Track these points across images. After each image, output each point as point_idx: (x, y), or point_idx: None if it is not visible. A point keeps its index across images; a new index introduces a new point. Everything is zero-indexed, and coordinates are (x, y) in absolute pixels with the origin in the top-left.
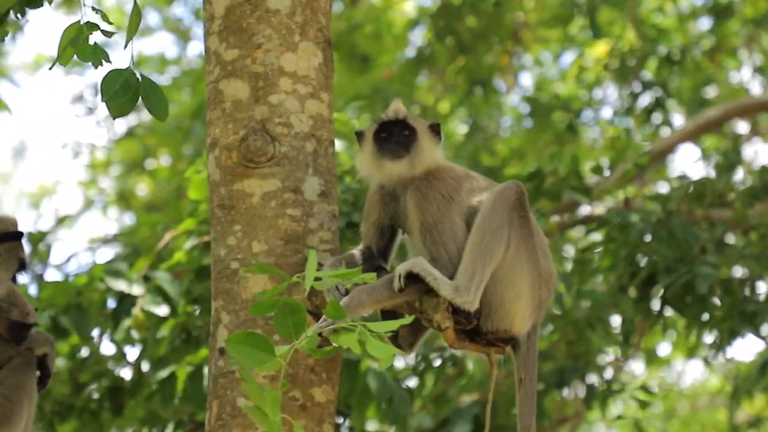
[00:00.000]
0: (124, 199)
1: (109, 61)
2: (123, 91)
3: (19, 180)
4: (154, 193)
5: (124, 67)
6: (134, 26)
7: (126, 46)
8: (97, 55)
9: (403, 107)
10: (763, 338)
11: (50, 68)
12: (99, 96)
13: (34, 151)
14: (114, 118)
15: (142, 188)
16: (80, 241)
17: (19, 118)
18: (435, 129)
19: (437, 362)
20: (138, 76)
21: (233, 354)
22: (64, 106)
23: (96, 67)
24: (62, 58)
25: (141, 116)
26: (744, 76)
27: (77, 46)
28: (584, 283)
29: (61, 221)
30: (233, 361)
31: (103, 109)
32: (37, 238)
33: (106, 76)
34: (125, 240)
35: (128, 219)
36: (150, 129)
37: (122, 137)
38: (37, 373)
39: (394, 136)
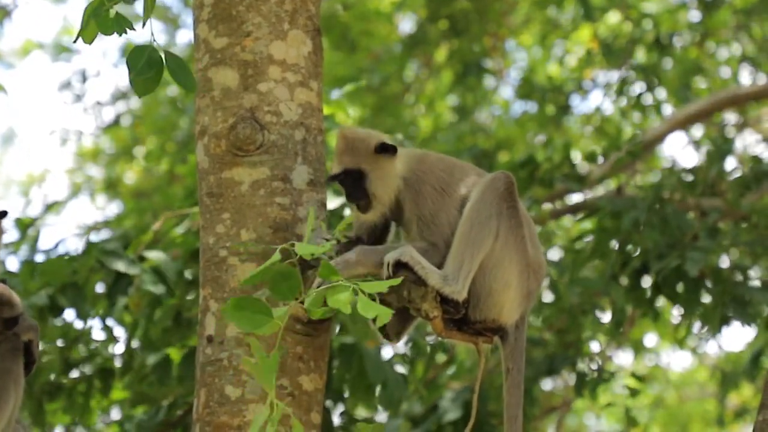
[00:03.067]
0: (112, 186)
1: (133, 29)
2: (149, 67)
3: (8, 167)
4: (142, 180)
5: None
6: (151, 2)
7: (144, 25)
8: (121, 25)
9: (349, 139)
10: (754, 323)
11: (74, 41)
12: (85, 84)
13: (23, 138)
14: (139, 97)
15: (130, 176)
16: (68, 228)
17: (7, 104)
18: (385, 148)
19: (427, 352)
20: (161, 52)
21: (231, 320)
22: (52, 93)
23: (121, 35)
24: (85, 32)
25: (129, 104)
26: (733, 66)
27: (98, 19)
28: (576, 270)
29: (49, 207)
30: (228, 318)
31: (90, 97)
32: (26, 223)
33: (130, 53)
34: (114, 227)
35: (116, 207)
36: (139, 117)
37: (110, 125)
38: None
39: (348, 186)
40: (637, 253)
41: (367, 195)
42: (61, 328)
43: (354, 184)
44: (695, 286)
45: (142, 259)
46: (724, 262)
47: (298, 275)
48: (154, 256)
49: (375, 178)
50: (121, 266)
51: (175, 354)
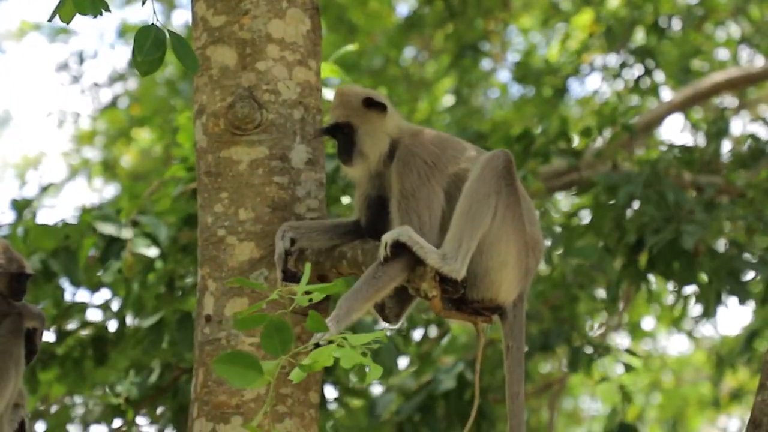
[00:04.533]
0: (109, 168)
1: (108, 10)
2: (156, 48)
3: (3, 149)
4: (139, 162)
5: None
6: None
7: (144, 3)
8: (96, 6)
9: (343, 94)
10: (750, 299)
11: (49, 20)
12: (82, 65)
13: (19, 121)
14: (143, 76)
15: (127, 159)
16: (65, 210)
17: (2, 87)
18: (372, 103)
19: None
20: (165, 31)
21: (220, 375)
22: (49, 75)
23: (95, 17)
24: (63, 11)
25: (126, 85)
26: (731, 48)
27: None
28: (571, 243)
29: (46, 189)
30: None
31: (87, 78)
32: (23, 205)
33: (137, 33)
34: (113, 207)
35: (113, 189)
36: (136, 99)
37: (107, 107)
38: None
39: (339, 140)
40: (633, 228)
41: (353, 151)
42: (54, 296)
43: (344, 139)
44: (690, 261)
45: (134, 224)
46: (721, 240)
47: (291, 328)
48: (146, 220)
49: (363, 133)
50: (112, 230)
51: (169, 318)
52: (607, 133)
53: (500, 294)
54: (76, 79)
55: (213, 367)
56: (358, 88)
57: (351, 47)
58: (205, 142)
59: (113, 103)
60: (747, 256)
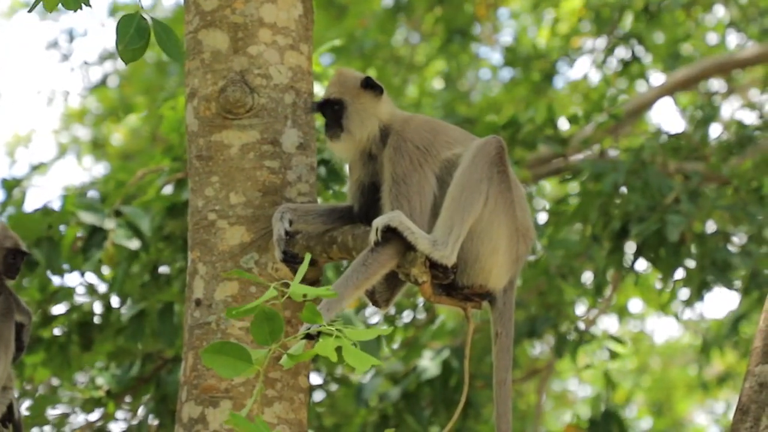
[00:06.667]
0: (99, 147)
1: (89, 5)
2: (138, 37)
3: None
4: (129, 141)
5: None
6: None
7: None
8: (77, 1)
9: (342, 73)
10: (735, 289)
11: (29, 11)
12: (72, 43)
13: (9, 98)
14: (126, 64)
15: (117, 138)
16: (55, 189)
17: None
18: (369, 83)
19: (408, 315)
20: (148, 19)
21: (209, 365)
22: (39, 53)
23: (75, 11)
24: (47, 2)
25: (116, 64)
26: (720, 32)
27: None
28: (558, 232)
29: (35, 168)
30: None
31: (77, 56)
32: (12, 184)
33: (119, 22)
34: (101, 188)
35: (103, 168)
36: (126, 78)
37: (97, 85)
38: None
39: (328, 116)
40: (618, 215)
41: (342, 126)
42: (39, 281)
43: (333, 115)
44: (675, 249)
45: (118, 213)
46: (707, 227)
47: (282, 317)
48: (129, 210)
49: (353, 111)
50: (95, 220)
51: (151, 308)
52: (595, 119)
53: (490, 280)
54: (66, 58)
55: (201, 357)
56: (357, 72)
57: (337, 42)
58: (197, 125)
59: (103, 82)
60: (731, 248)
